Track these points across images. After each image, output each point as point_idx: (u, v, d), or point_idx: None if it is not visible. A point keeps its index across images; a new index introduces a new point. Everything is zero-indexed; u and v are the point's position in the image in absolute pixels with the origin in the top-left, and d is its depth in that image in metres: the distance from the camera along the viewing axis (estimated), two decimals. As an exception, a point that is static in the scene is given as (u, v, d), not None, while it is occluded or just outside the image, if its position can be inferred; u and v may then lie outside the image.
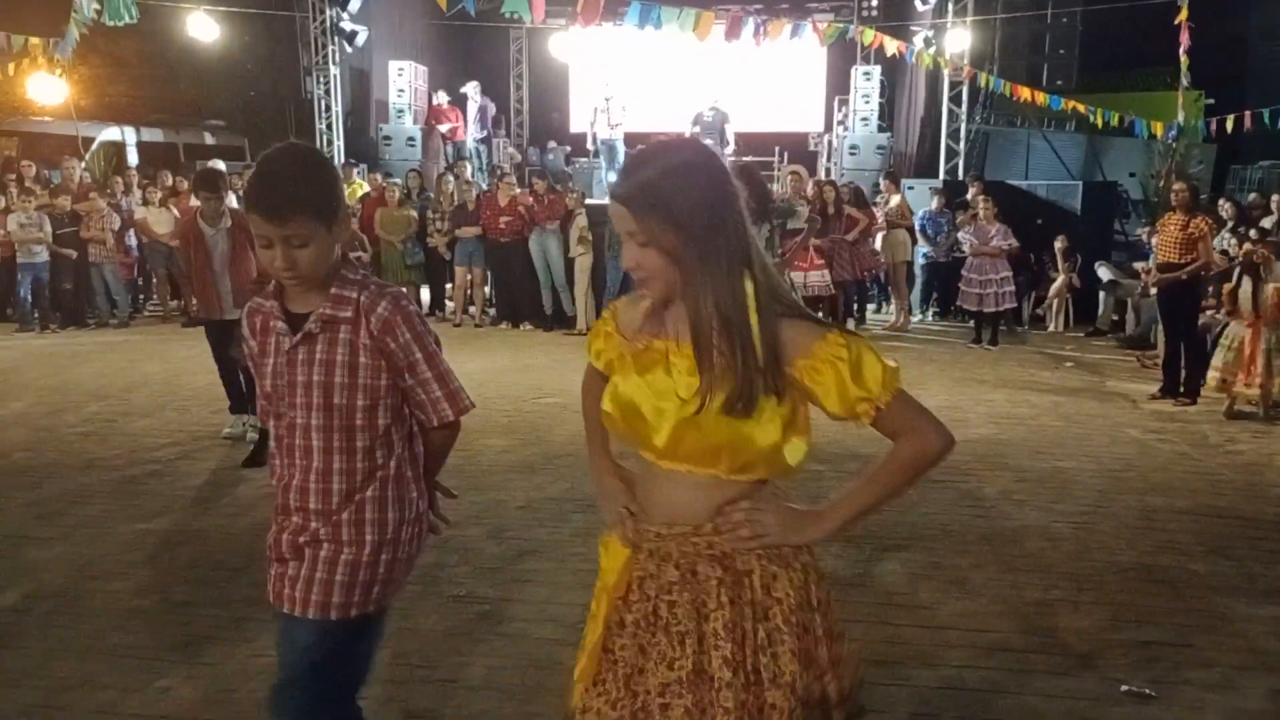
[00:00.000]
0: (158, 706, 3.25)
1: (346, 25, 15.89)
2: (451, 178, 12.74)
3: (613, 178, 14.40)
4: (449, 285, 12.64)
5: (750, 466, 1.73)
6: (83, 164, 14.08)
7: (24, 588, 4.21)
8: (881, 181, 12.97)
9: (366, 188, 13.34)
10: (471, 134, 17.09)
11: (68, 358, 9.72)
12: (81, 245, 11.57)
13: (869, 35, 14.24)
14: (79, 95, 19.69)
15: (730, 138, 15.34)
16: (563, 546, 4.65)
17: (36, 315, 11.45)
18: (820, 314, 11.35)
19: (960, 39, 14.87)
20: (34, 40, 14.14)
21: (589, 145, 17.21)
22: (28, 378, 8.71)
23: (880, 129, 15.85)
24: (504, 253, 11.57)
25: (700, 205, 1.66)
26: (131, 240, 12.24)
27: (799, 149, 17.33)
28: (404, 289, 2.13)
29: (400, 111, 16.47)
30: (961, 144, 15.41)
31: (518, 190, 12.30)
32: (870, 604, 4.09)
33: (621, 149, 16.68)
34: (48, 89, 17.64)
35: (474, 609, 3.98)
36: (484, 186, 13.27)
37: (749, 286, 1.68)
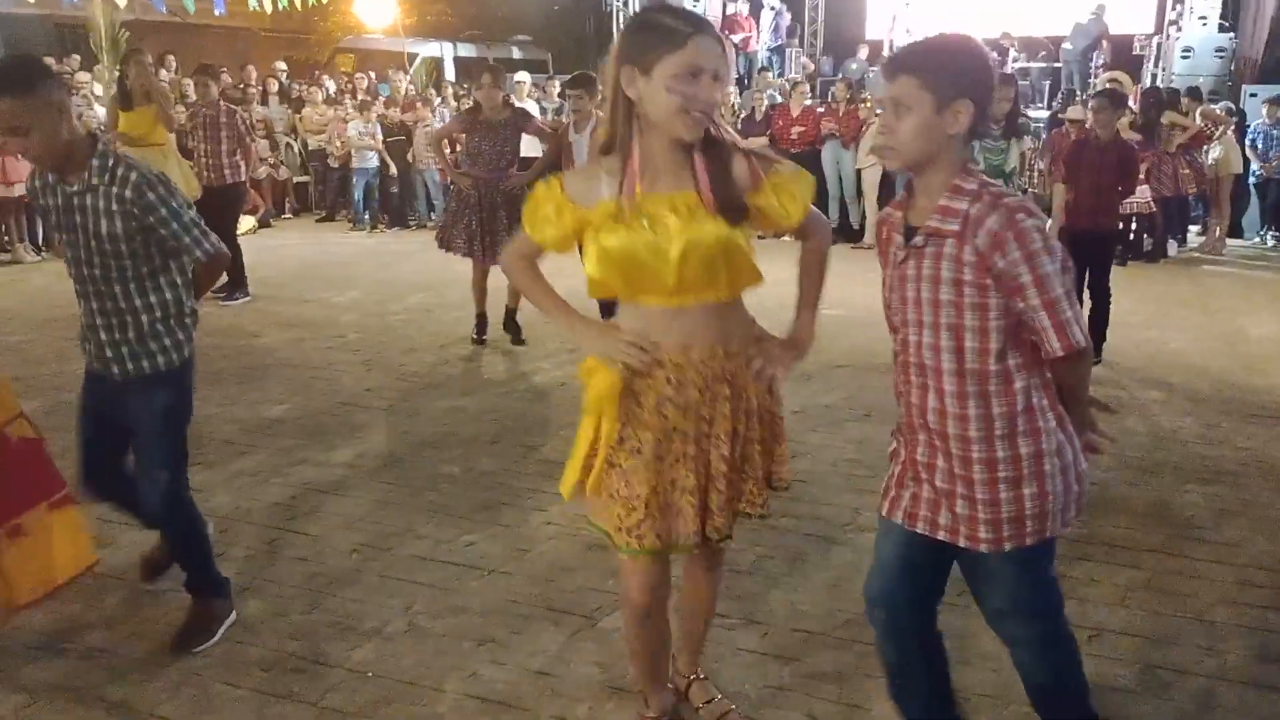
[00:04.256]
0: (464, 556, 3.65)
1: (647, -64, 16.08)
2: (736, 89, 12.72)
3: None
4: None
5: (736, 280, 2.19)
6: (407, 77, 15.27)
7: (354, 447, 4.80)
8: (1182, 99, 11.46)
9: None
10: (764, 43, 16.90)
11: (393, 254, 10.75)
12: (405, 153, 12.62)
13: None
14: (404, 13, 21.28)
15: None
16: (835, 451, 4.68)
17: (367, 216, 12.69)
18: (1132, 232, 10.33)
19: (1330, -79, 12.86)
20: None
21: (884, 52, 16.57)
22: (361, 270, 9.74)
23: (1222, 28, 14.11)
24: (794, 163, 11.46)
25: None
26: (446, 149, 13.18)
27: (1122, 53, 15.78)
28: (1026, 200, 1.99)
29: (695, 22, 16.52)
30: (1322, 45, 13.45)
31: (809, 100, 12.10)
32: (1165, 535, 3.84)
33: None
34: (379, 8, 19.14)
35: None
36: (776, 97, 13.12)
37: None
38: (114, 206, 2.80)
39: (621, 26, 14.86)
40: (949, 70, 1.96)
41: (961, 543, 2.11)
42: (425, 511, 4.06)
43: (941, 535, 2.13)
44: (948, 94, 1.93)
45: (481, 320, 6.90)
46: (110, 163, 2.82)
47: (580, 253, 2.25)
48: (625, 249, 2.10)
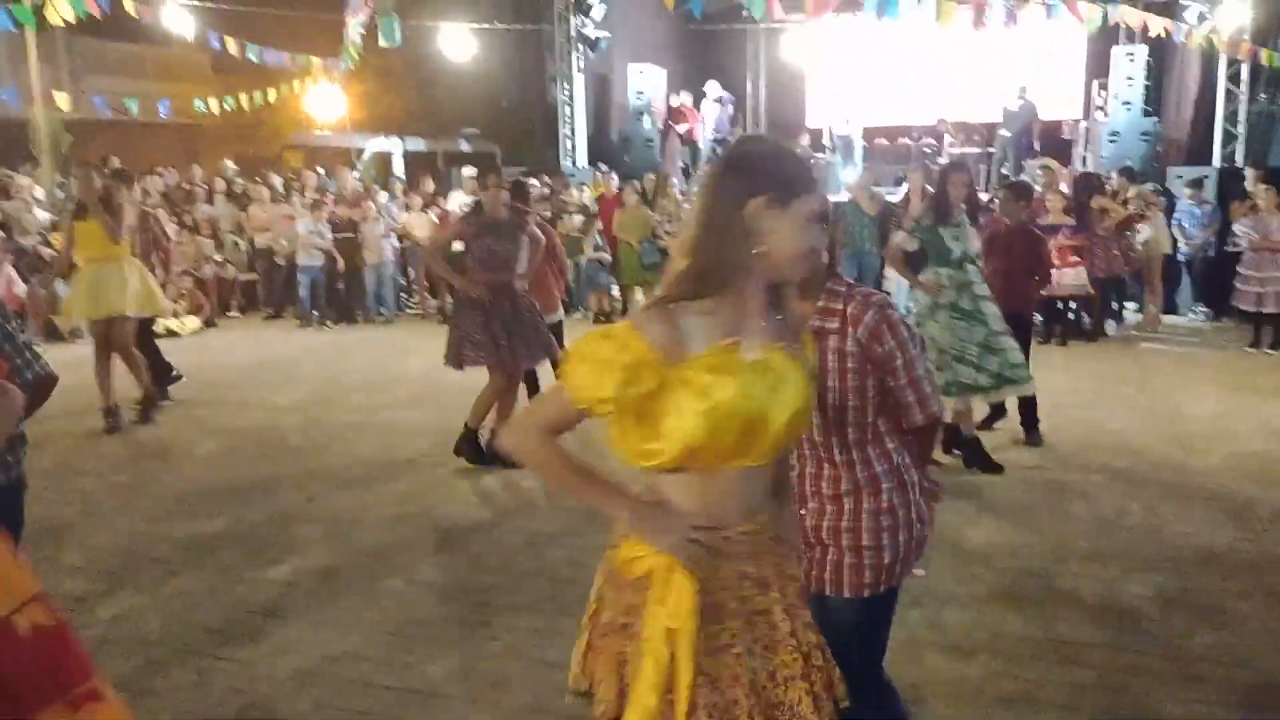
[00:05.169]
0: (404, 679, 3.53)
1: (590, 32, 16.44)
2: (675, 181, 12.94)
3: (850, 172, 14.44)
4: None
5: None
6: (356, 173, 15.35)
7: (293, 563, 4.67)
8: (1115, 178, 11.85)
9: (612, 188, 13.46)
10: (708, 134, 17.27)
11: (339, 351, 10.66)
12: (353, 249, 12.61)
13: (1132, 17, 13.11)
14: (353, 109, 21.52)
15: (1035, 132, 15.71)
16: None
17: (314, 313, 12.60)
18: (1071, 311, 10.47)
19: (1239, 12, 13.49)
20: (315, 59, 15.49)
21: (825, 140, 17.04)
22: (306, 369, 9.63)
23: (1146, 113, 14.69)
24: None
25: None
26: (394, 243, 13.20)
27: (1051, 138, 16.37)
28: (888, 296, 2.36)
29: (639, 113, 16.84)
30: (1240, 127, 14.02)
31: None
32: (1112, 629, 3.84)
33: (859, 144, 16.52)
34: (328, 104, 19.31)
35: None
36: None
37: None
38: None
39: (566, 120, 14.83)
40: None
41: (828, 590, 2.32)
42: (365, 630, 3.94)
43: (814, 588, 2.31)
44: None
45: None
46: None
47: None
48: (749, 406, 1.75)
